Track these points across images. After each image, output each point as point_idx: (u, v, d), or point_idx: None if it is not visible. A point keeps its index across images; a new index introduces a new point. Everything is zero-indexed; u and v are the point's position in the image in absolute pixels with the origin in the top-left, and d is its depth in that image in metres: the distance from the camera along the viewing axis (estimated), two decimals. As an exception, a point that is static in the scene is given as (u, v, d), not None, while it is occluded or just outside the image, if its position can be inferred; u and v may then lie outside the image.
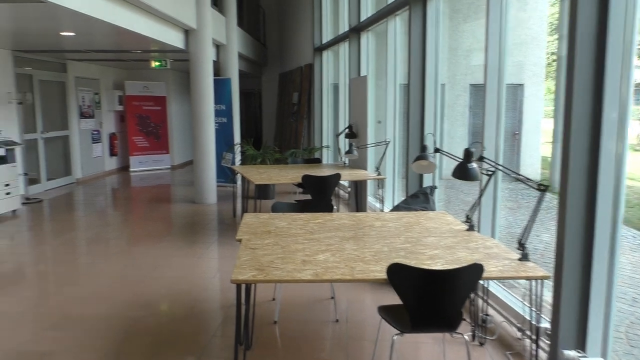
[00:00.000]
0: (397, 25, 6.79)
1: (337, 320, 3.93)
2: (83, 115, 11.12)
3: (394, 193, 7.30)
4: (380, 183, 6.70)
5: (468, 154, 3.04)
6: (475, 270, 2.48)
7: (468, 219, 3.47)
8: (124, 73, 12.97)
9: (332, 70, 10.76)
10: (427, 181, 5.95)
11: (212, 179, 8.54)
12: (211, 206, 8.27)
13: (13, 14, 5.48)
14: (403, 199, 5.96)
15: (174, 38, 7.83)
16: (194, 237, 6.34)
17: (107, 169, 12.12)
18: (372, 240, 3.18)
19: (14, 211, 7.48)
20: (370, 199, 7.55)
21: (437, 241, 3.17)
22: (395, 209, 5.58)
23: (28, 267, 5.26)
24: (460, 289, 2.52)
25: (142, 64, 11.27)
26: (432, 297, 2.53)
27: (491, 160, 3.05)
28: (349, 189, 8.48)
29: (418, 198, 5.60)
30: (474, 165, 3.05)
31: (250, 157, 8.69)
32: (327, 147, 10.06)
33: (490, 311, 3.84)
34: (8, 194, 7.24)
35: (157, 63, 9.92)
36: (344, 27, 9.22)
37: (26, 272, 5.10)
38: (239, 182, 8.79)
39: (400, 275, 2.49)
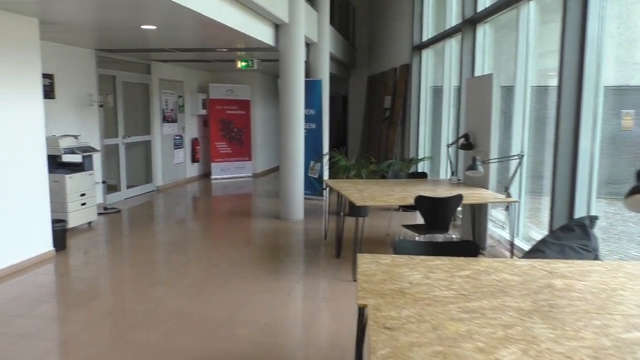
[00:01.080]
0: (530, 12, 5.51)
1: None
2: (166, 119, 10.62)
3: (519, 218, 5.98)
4: (507, 206, 5.42)
5: None
6: None
7: None
8: (208, 75, 12.43)
9: (432, 70, 9.51)
10: (578, 209, 4.61)
11: (300, 193, 7.57)
12: (298, 223, 7.30)
13: (95, 3, 4.86)
14: (547, 233, 4.69)
15: (263, 33, 6.95)
16: (280, 265, 5.37)
17: (188, 176, 11.58)
18: (571, 320, 2.00)
19: (89, 223, 6.89)
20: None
21: (681, 327, 1.94)
22: (542, 244, 4.28)
23: (92, 298, 4.51)
24: None
25: (227, 65, 10.61)
26: None
27: None
28: (459, 209, 7.21)
29: (573, 232, 4.26)
30: None
31: (342, 168, 7.65)
32: (430, 158, 8.80)
33: None
34: (84, 204, 6.65)
35: (243, 63, 9.15)
36: (452, 20, 7.99)
37: (88, 306, 4.32)
38: (326, 194, 7.78)
39: None
